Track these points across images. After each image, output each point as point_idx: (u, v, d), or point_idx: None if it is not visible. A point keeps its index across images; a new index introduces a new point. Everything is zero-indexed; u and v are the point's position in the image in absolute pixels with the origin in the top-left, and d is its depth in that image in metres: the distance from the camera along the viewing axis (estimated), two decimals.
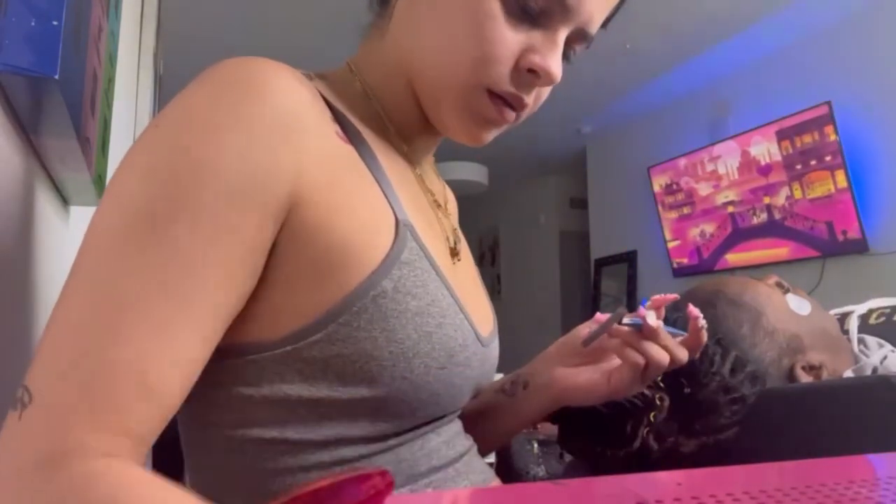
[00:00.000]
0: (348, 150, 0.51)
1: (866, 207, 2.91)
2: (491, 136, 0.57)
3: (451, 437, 0.56)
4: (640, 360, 0.58)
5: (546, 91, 0.56)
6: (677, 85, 3.83)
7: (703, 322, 0.60)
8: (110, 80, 0.93)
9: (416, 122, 0.59)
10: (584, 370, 0.64)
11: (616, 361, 0.62)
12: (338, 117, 0.52)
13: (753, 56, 3.43)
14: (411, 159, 0.61)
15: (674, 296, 0.62)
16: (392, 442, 0.51)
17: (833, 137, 2.92)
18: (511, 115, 0.55)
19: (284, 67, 0.48)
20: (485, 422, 0.65)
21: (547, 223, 5.57)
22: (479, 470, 0.59)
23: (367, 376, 0.47)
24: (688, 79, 3.74)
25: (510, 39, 0.51)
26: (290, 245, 0.46)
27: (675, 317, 0.64)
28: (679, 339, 0.61)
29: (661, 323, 0.58)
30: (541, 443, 1.14)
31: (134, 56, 1.93)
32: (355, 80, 0.58)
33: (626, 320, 0.58)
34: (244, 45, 3.10)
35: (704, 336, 0.61)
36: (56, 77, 0.48)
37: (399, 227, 0.51)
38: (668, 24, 3.20)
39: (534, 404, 0.66)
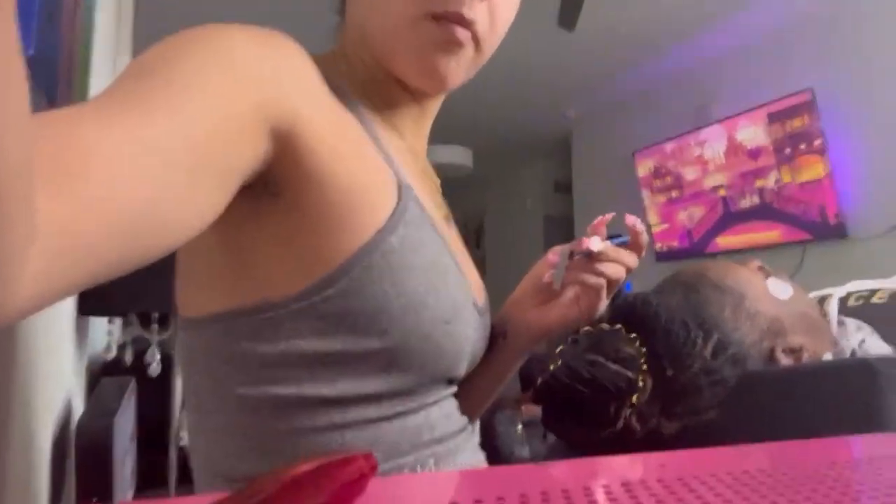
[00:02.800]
0: (347, 114, 0.53)
1: (846, 193, 2.95)
2: (452, 66, 0.57)
3: (450, 412, 0.59)
4: (601, 281, 0.63)
5: (502, 10, 0.57)
6: (662, 70, 3.83)
7: (640, 225, 0.65)
8: (87, 61, 0.91)
9: (394, 89, 0.61)
10: (553, 306, 0.67)
11: (576, 288, 0.66)
12: (332, 87, 0.54)
13: (737, 42, 3.43)
14: (401, 133, 0.63)
15: (610, 215, 0.68)
16: (399, 409, 0.53)
17: (816, 124, 2.95)
18: (463, 32, 0.55)
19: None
20: (473, 378, 0.66)
21: (532, 207, 5.58)
22: (473, 448, 0.61)
23: (378, 329, 0.49)
24: (673, 64, 3.75)
25: None
26: (300, 186, 0.47)
27: (619, 241, 0.66)
28: (624, 246, 0.66)
29: (606, 242, 0.63)
30: (525, 424, 1.14)
31: (111, 59, 1.88)
32: (339, 63, 0.61)
33: (577, 252, 0.63)
34: None
35: (645, 238, 0.66)
36: (31, 53, 0.46)
37: (402, 188, 0.53)
38: (654, 9, 3.19)
39: (516, 349, 0.69)
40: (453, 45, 0.55)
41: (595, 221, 0.65)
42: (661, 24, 3.34)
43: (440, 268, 0.54)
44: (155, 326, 1.50)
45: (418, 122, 0.65)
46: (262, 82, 0.43)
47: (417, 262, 0.51)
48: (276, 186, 0.47)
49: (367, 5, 0.57)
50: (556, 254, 0.65)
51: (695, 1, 3.11)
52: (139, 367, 1.50)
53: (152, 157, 0.35)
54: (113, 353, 1.85)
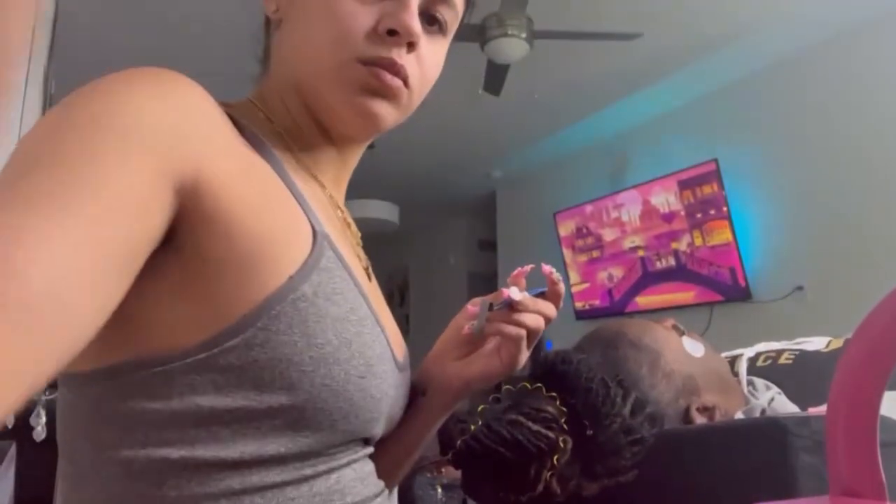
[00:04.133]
0: (259, 160, 0.51)
1: (749, 257, 3.14)
2: (383, 110, 0.57)
3: (365, 476, 0.55)
4: (521, 332, 0.62)
5: (430, 60, 0.58)
6: (581, 136, 4.03)
7: (556, 275, 0.66)
8: None
9: (317, 139, 0.60)
10: (473, 358, 0.66)
11: (496, 340, 0.65)
12: (245, 135, 0.52)
13: (649, 114, 3.67)
14: (321, 181, 0.61)
15: (529, 266, 0.68)
16: (307, 472, 0.49)
17: (720, 191, 3.15)
18: (393, 80, 0.55)
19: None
20: (392, 438, 0.63)
21: (456, 264, 5.62)
22: None
23: (286, 382, 0.46)
24: (590, 131, 3.95)
25: (361, 12, 0.54)
26: (205, 238, 0.44)
27: (536, 292, 0.67)
28: (542, 296, 0.66)
29: (525, 293, 0.63)
30: (444, 487, 1.11)
31: (22, 71, 1.79)
32: (257, 110, 0.59)
33: (496, 304, 0.63)
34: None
35: (562, 287, 0.66)
36: None
37: (317, 236, 0.51)
38: (573, 80, 3.37)
39: (438, 407, 0.67)
40: (385, 90, 0.55)
41: (514, 272, 0.65)
42: (579, 94, 3.52)
43: (356, 319, 0.51)
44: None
45: (339, 173, 0.64)
46: (161, 144, 0.41)
47: (332, 311, 0.48)
48: (178, 240, 0.44)
49: (297, 51, 0.57)
50: (475, 304, 0.65)
51: (609, 76, 3.31)
52: (22, 430, 1.36)
53: (69, 278, 0.35)
54: None
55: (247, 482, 0.46)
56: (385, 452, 0.62)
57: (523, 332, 0.63)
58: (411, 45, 0.56)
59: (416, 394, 0.66)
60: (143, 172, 0.40)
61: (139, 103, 0.42)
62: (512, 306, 0.62)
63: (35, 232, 0.34)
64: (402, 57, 0.55)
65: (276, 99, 0.60)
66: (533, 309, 0.63)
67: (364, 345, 0.51)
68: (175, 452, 0.45)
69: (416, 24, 0.54)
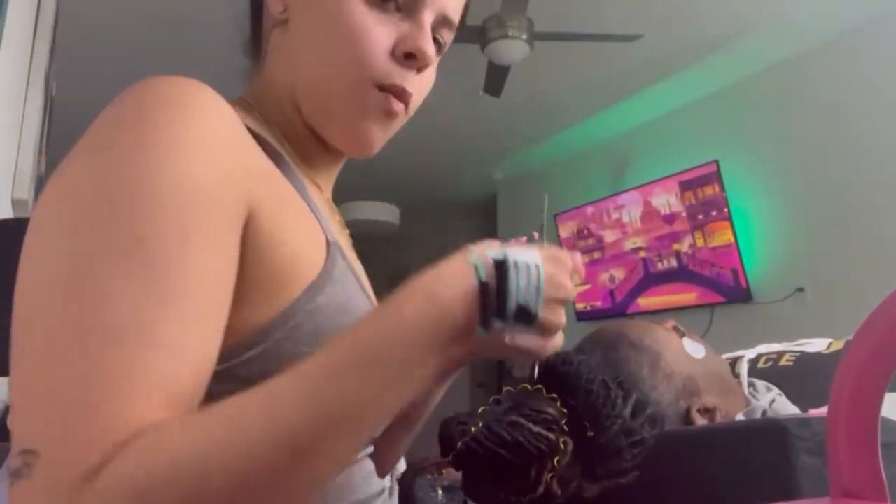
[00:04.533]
0: (280, 176, 0.52)
1: (750, 259, 3.13)
2: (380, 134, 0.58)
3: (368, 475, 0.56)
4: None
5: (427, 81, 0.59)
6: (581, 138, 4.02)
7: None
8: None
9: (313, 145, 0.60)
10: None
11: None
12: (264, 147, 0.53)
13: (649, 115, 3.66)
14: (319, 186, 0.62)
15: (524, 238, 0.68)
16: None
17: (721, 193, 3.15)
18: (400, 106, 0.57)
19: (204, 85, 0.47)
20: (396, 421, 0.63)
21: None
22: None
23: None
24: (591, 133, 3.95)
25: (380, 32, 0.54)
26: (249, 258, 0.45)
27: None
28: None
29: None
30: (445, 489, 1.11)
31: (23, 73, 1.80)
32: (253, 111, 0.59)
33: None
34: (145, 72, 2.98)
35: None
36: None
37: (330, 245, 0.52)
38: (574, 82, 3.37)
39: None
40: (390, 116, 0.57)
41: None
42: (579, 96, 3.52)
43: None
44: None
45: (330, 176, 0.65)
46: (227, 203, 0.42)
47: (345, 320, 0.49)
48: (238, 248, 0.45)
49: (306, 62, 0.56)
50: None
51: (610, 77, 3.31)
52: None
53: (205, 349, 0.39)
54: None
55: None
56: (385, 439, 0.62)
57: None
58: (421, 69, 0.57)
59: None
60: (228, 243, 0.41)
61: (188, 159, 0.40)
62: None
63: (170, 377, 0.36)
64: (412, 83, 0.56)
65: (271, 101, 0.59)
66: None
67: None
68: None
69: (432, 49, 0.55)
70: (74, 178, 0.39)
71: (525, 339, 0.45)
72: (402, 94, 0.56)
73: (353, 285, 0.53)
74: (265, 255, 0.45)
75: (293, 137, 0.59)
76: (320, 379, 0.37)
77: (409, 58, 0.55)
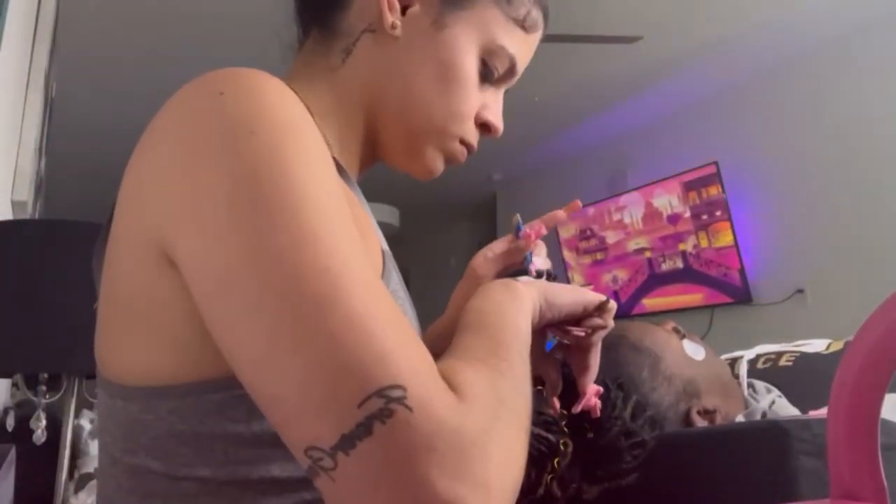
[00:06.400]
0: (343, 182, 0.53)
1: (749, 260, 3.13)
2: (441, 170, 0.65)
3: None
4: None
5: None
6: (581, 139, 4.02)
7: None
8: None
9: (364, 149, 0.63)
10: None
11: None
12: None
13: (649, 116, 3.67)
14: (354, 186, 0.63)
15: (543, 231, 0.73)
16: None
17: (721, 194, 3.15)
18: (464, 155, 0.65)
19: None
20: None
21: (457, 267, 5.61)
22: None
23: None
24: (590, 134, 3.95)
25: (476, 99, 0.61)
26: None
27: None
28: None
29: (547, 261, 0.69)
30: None
31: (23, 74, 1.80)
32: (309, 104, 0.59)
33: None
34: (146, 73, 2.98)
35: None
36: None
37: (385, 255, 0.54)
38: (574, 83, 3.37)
39: None
40: (454, 162, 0.64)
41: (530, 237, 0.70)
42: (579, 97, 3.52)
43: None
44: (42, 388, 1.36)
45: (357, 177, 0.65)
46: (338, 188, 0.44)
47: None
48: None
49: (403, 83, 0.59)
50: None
51: (609, 78, 3.31)
52: (22, 433, 1.35)
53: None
54: None
55: (317, 493, 0.46)
56: None
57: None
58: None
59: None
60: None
61: (323, 170, 0.43)
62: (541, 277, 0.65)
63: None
64: (476, 138, 0.63)
65: (328, 99, 0.59)
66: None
67: None
68: (254, 472, 0.45)
69: (502, 123, 0.64)
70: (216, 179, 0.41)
71: None
72: (471, 149, 0.64)
73: (403, 294, 0.55)
74: None
75: (342, 135, 0.60)
76: (520, 365, 0.45)
77: (485, 127, 0.63)
